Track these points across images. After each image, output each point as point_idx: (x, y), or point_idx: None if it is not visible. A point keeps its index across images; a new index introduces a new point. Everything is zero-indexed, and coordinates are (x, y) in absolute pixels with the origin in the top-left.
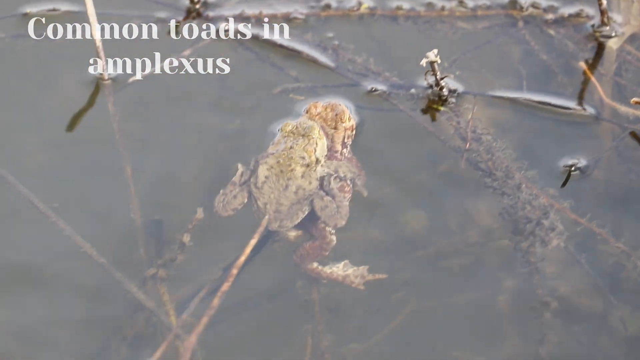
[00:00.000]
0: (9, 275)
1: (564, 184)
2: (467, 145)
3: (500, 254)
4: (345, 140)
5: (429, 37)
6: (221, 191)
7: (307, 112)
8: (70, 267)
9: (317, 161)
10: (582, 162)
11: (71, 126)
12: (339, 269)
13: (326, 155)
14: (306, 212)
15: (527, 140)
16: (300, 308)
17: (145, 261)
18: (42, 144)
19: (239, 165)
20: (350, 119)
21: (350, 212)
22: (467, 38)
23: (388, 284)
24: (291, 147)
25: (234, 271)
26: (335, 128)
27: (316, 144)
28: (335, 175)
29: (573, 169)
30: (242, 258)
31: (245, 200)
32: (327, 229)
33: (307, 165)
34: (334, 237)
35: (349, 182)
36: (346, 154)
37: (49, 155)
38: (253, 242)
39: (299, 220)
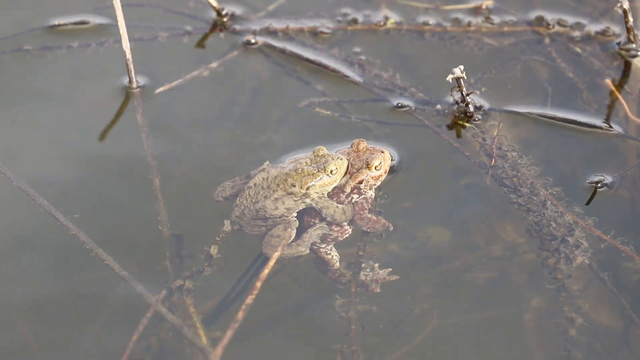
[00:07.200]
0: (31, 289)
1: (589, 201)
2: (493, 162)
3: (525, 270)
4: (362, 187)
5: (455, 53)
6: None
7: (351, 146)
8: (93, 278)
9: (306, 195)
10: (607, 179)
11: (100, 136)
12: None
13: (330, 193)
14: (269, 229)
15: (552, 157)
16: (329, 325)
17: (171, 273)
18: (70, 154)
19: (266, 163)
20: (377, 169)
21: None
22: (493, 54)
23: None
24: (296, 170)
25: (258, 284)
26: (358, 170)
27: (319, 180)
28: (318, 225)
29: (598, 186)
30: (266, 271)
31: (235, 192)
32: (321, 249)
33: (291, 194)
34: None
35: (344, 225)
36: (355, 199)
37: (77, 165)
38: (277, 254)
39: (260, 232)
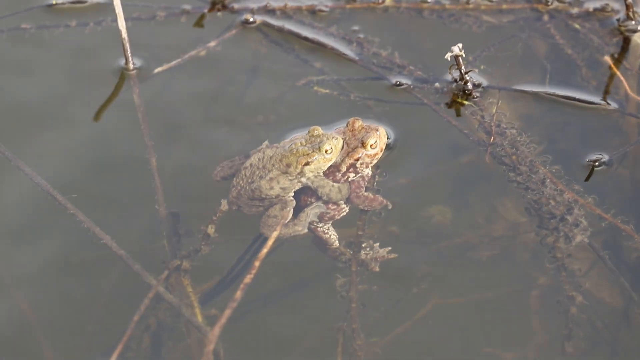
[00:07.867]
0: (30, 266)
1: (587, 179)
2: (492, 140)
3: (527, 248)
4: (358, 165)
5: (453, 31)
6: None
7: (347, 125)
8: (91, 258)
9: (301, 174)
10: (606, 157)
11: (96, 116)
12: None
13: (326, 172)
14: (266, 209)
15: (551, 135)
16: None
17: (169, 253)
18: (66, 135)
19: (265, 143)
20: (373, 147)
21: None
22: (492, 32)
23: (410, 276)
24: (291, 150)
25: (256, 263)
26: (354, 149)
27: (314, 159)
28: (315, 204)
29: (597, 163)
30: (265, 250)
31: (234, 171)
32: (319, 228)
33: (286, 173)
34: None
35: (341, 204)
36: (352, 178)
37: (73, 146)
38: (275, 234)
39: (257, 212)
